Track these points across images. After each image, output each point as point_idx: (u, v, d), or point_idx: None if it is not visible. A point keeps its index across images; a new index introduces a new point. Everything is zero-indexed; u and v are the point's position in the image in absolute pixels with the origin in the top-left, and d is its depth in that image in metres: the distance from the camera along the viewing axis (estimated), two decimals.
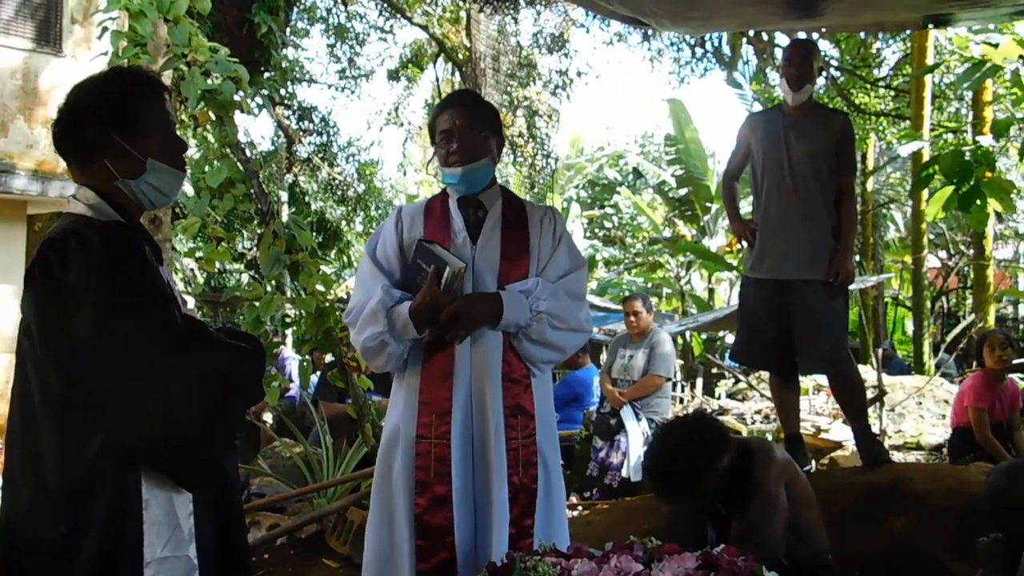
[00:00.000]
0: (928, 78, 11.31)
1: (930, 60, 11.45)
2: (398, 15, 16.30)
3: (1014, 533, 3.00)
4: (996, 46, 5.40)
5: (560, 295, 2.78)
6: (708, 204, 17.19)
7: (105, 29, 5.55)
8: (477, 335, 2.72)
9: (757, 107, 15.84)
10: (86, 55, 8.61)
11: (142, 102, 2.00)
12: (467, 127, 2.79)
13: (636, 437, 6.02)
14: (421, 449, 2.68)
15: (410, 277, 2.75)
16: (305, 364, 6.59)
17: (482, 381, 2.70)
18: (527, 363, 2.77)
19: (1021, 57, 5.40)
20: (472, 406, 2.70)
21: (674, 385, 9.36)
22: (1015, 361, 6.06)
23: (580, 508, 5.60)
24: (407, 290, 2.74)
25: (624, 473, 5.94)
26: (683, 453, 3.22)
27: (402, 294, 2.72)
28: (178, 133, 2.10)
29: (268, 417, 8.82)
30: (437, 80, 18.68)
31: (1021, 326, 19.07)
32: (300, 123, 18.27)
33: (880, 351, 9.46)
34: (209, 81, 5.47)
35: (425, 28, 16.19)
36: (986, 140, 5.72)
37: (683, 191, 17.61)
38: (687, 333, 14.05)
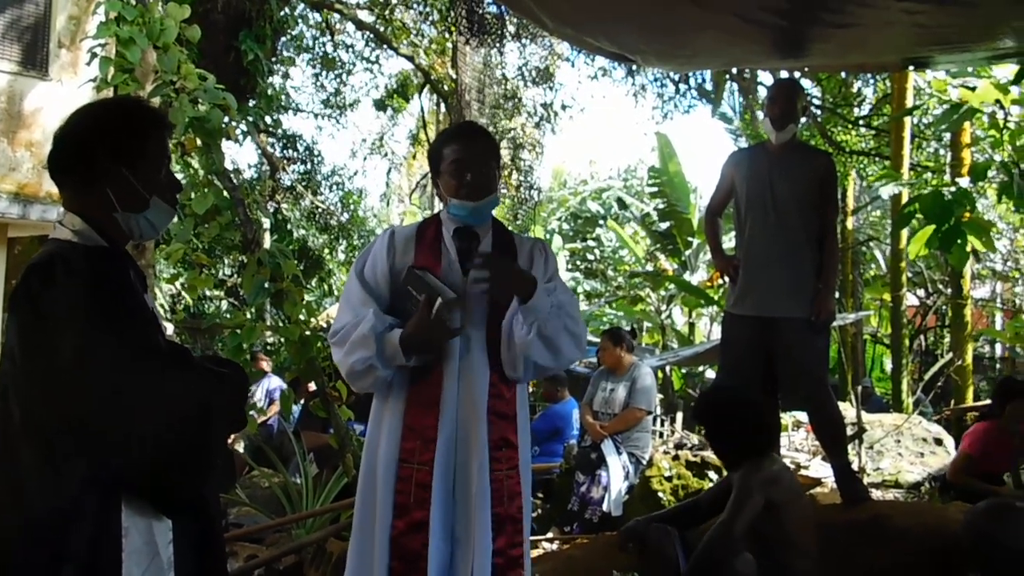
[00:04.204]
0: (907, 119, 11.45)
1: (910, 101, 11.60)
2: (384, 46, 16.38)
3: (993, 573, 3.01)
4: (974, 89, 5.48)
5: (570, 302, 2.79)
6: (690, 239, 17.25)
7: (94, 55, 5.56)
8: (465, 369, 2.69)
9: (743, 142, 15.98)
10: (72, 80, 8.59)
11: (152, 139, 2.02)
12: (480, 159, 2.78)
13: (617, 471, 6.00)
14: (403, 473, 2.66)
15: (399, 302, 2.73)
16: (287, 393, 6.55)
17: (468, 414, 2.68)
18: (520, 365, 2.70)
19: (998, 101, 5.48)
20: (456, 438, 2.68)
21: (654, 419, 9.33)
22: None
23: (559, 542, 5.58)
24: (394, 314, 2.71)
25: (605, 507, 5.92)
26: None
27: (392, 320, 2.69)
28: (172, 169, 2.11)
29: (239, 446, 8.72)
30: (422, 111, 18.82)
31: (998, 365, 19.21)
32: (284, 151, 18.26)
33: (859, 388, 9.48)
34: (197, 108, 5.48)
35: (411, 59, 16.27)
36: (964, 182, 5.78)
37: (665, 225, 17.67)
38: (667, 367, 14.05)
